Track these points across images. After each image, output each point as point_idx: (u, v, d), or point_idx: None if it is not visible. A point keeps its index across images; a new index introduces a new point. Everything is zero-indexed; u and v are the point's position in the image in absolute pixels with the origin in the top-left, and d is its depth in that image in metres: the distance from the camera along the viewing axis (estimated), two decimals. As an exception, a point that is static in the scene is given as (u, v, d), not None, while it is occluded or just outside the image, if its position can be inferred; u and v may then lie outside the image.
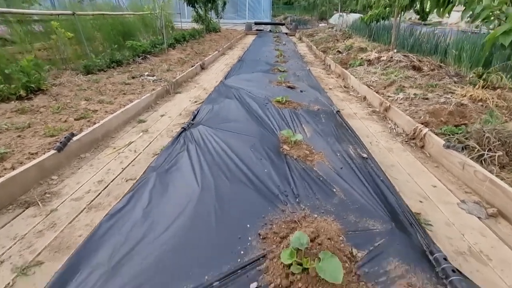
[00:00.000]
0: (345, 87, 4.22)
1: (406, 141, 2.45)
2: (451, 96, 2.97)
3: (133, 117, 2.79)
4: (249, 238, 1.19)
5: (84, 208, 1.49)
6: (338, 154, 1.85)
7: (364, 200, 1.38)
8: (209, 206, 1.35)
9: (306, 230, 1.14)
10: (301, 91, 3.49)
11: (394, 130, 2.69)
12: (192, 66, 4.79)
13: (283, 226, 1.23)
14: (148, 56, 5.04)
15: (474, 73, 3.47)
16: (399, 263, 1.05)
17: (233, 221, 1.27)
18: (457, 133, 2.17)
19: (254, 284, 1.00)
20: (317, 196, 1.43)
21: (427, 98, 3.06)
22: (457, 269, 1.04)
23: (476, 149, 1.82)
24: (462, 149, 1.86)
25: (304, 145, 2.01)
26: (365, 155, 1.87)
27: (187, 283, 0.99)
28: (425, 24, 8.99)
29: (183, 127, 2.36)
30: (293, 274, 1.01)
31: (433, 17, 10.47)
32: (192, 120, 2.55)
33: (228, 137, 2.09)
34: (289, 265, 1.02)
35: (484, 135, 1.82)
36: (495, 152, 1.75)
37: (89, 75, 3.74)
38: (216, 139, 2.06)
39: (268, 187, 1.50)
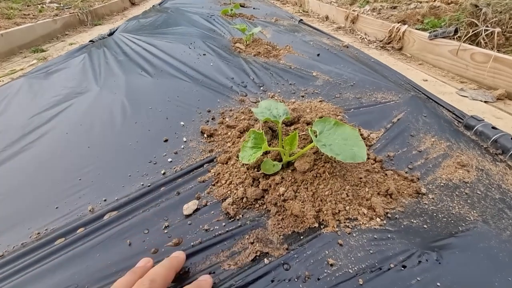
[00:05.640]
0: (304, 11, 3.68)
1: (382, 47, 2.07)
2: (422, 2, 2.64)
3: (25, 46, 2.02)
4: (184, 140, 0.66)
5: None
6: (312, 43, 1.34)
7: (360, 77, 0.93)
8: (114, 106, 0.76)
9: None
10: (254, 8, 2.85)
11: (365, 39, 2.28)
12: (117, -3, 3.71)
13: (243, 117, 0.72)
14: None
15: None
16: (435, 140, 0.64)
17: (157, 121, 0.72)
18: (440, 26, 1.85)
19: (193, 203, 0.49)
20: (291, 82, 0.94)
21: (395, 7, 2.72)
22: (513, 138, 0.67)
23: (472, 30, 1.48)
24: (455, 31, 1.51)
25: (264, 42, 1.47)
26: (346, 43, 1.40)
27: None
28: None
29: (90, 40, 1.62)
30: (266, 177, 0.53)
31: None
32: (109, 35, 1.79)
33: (156, 40, 1.43)
34: (256, 166, 0.53)
35: (480, 10, 1.47)
36: (494, 28, 1.42)
37: None
38: (138, 42, 1.39)
39: (215, 80, 0.96)
